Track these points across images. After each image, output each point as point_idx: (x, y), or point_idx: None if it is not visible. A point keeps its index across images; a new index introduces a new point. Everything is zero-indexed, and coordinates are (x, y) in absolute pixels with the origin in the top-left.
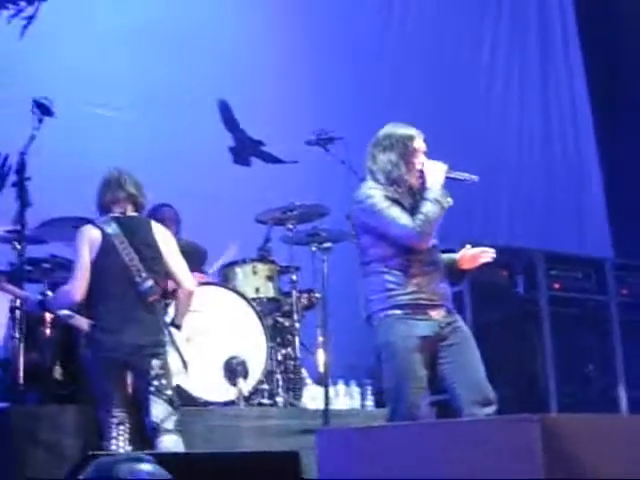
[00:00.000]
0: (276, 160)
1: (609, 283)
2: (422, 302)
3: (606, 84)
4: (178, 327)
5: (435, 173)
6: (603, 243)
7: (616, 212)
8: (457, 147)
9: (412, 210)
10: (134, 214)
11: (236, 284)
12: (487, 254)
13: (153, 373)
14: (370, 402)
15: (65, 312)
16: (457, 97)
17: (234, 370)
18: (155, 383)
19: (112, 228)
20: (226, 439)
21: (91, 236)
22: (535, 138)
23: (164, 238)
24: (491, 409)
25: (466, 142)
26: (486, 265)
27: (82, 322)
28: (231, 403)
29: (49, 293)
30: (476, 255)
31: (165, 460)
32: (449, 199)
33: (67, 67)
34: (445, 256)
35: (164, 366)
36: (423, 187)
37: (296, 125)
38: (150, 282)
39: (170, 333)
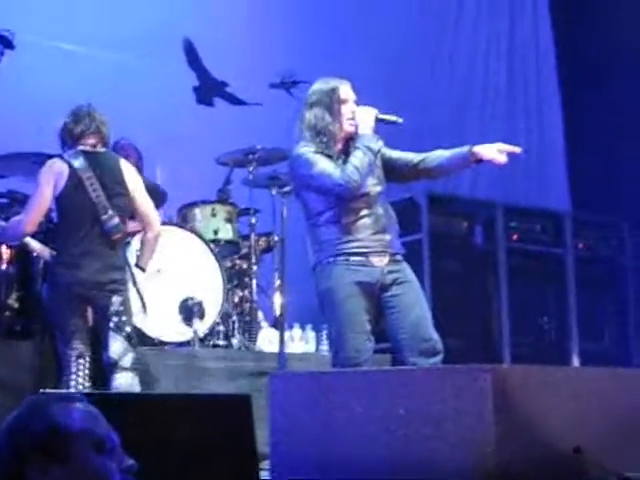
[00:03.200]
0: (239, 102)
1: (566, 237)
2: (361, 250)
3: (571, 37)
4: (143, 269)
5: (365, 119)
6: (562, 198)
7: (576, 168)
8: (421, 97)
9: (344, 159)
10: (103, 150)
11: (195, 225)
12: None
13: (113, 309)
14: (325, 346)
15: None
16: (423, 48)
17: (190, 311)
18: (115, 319)
19: (80, 162)
20: (180, 380)
21: (58, 171)
22: (499, 92)
23: (132, 176)
24: (437, 359)
25: (431, 92)
26: (445, 215)
27: (44, 251)
28: (186, 344)
29: (2, 223)
30: (502, 149)
31: (114, 400)
32: (380, 142)
33: (30, 1)
34: (453, 151)
35: (124, 303)
36: (356, 135)
37: (260, 67)
38: (116, 220)
39: (132, 273)
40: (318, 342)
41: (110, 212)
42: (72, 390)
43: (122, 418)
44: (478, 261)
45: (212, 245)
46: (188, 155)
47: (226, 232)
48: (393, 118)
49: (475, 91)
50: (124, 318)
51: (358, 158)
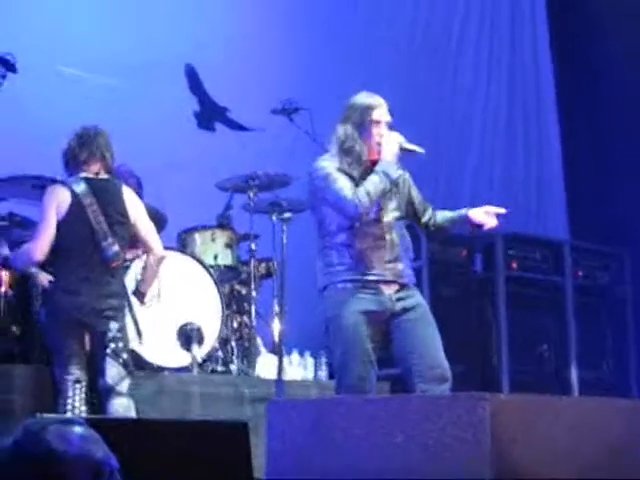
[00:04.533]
0: (241, 127)
1: (565, 265)
2: (370, 277)
3: (571, 69)
4: (142, 296)
5: (389, 144)
6: (561, 227)
7: (574, 196)
8: (423, 122)
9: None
10: (106, 176)
11: (194, 250)
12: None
13: (110, 335)
14: (324, 373)
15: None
16: (426, 72)
17: (189, 336)
18: (112, 345)
19: (82, 188)
20: (178, 405)
21: (60, 197)
22: (499, 120)
23: (134, 203)
24: (447, 386)
25: (432, 119)
26: (444, 243)
27: (42, 278)
28: (184, 369)
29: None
30: (489, 212)
31: (111, 425)
32: (400, 171)
33: (33, 25)
34: (451, 213)
35: (122, 329)
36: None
37: (262, 93)
38: (116, 248)
39: (129, 300)
40: (316, 368)
41: (110, 239)
42: (68, 415)
43: (118, 443)
44: (477, 289)
45: (212, 270)
46: (188, 180)
47: (226, 257)
48: (415, 148)
49: (475, 122)
50: (121, 344)
51: (373, 183)
